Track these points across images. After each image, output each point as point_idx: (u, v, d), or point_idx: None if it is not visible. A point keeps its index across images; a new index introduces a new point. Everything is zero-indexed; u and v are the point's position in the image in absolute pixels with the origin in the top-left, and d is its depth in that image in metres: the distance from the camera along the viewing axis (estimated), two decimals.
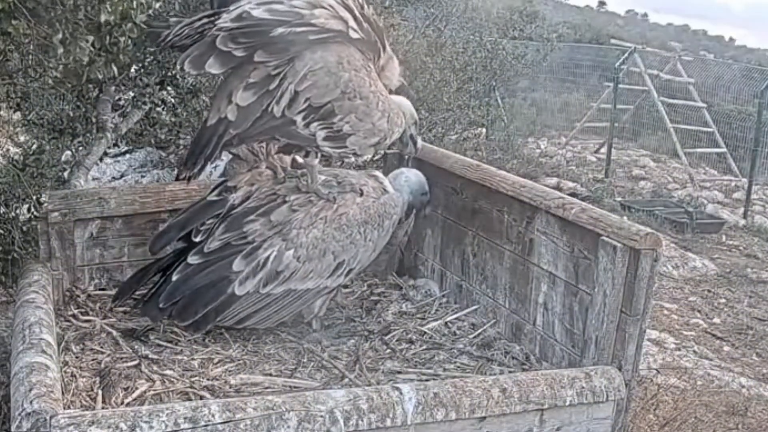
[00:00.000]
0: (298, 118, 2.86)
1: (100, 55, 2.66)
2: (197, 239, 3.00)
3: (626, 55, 13.59)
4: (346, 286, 3.58)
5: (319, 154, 3.07)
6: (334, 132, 2.92)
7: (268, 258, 2.93)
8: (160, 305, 2.91)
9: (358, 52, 2.95)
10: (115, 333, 2.99)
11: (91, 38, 2.58)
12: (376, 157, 4.06)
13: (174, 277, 2.94)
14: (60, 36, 2.50)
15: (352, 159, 3.20)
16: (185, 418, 2.01)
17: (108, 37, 2.62)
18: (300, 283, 2.98)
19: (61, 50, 2.53)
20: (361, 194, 3.13)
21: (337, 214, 3.03)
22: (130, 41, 2.71)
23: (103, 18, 2.54)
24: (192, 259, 2.95)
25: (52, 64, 2.68)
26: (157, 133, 5.23)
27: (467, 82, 8.66)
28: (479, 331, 3.25)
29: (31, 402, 1.98)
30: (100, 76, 2.74)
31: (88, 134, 4.20)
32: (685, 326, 6.49)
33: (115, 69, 2.79)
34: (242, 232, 2.96)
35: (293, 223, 2.98)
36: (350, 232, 3.04)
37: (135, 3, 2.62)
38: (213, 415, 2.04)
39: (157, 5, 2.78)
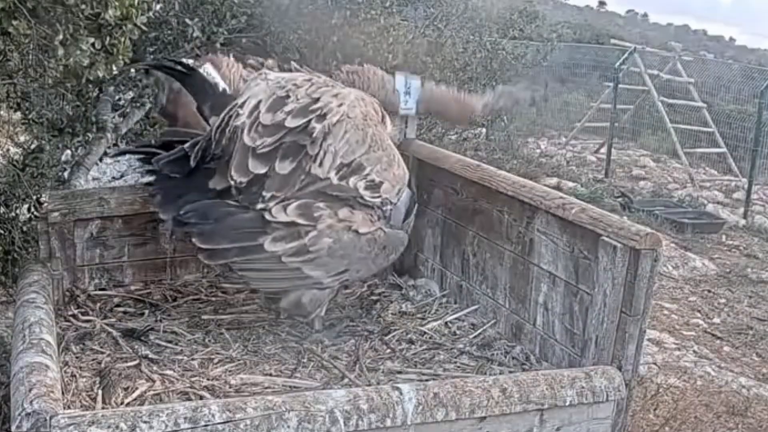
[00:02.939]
0: (332, 175, 2.95)
1: (100, 55, 2.66)
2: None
3: (626, 55, 13.59)
4: (346, 287, 3.58)
5: None
6: (369, 182, 3.02)
7: (308, 233, 2.92)
8: (181, 212, 2.88)
9: (372, 106, 3.14)
10: (115, 333, 2.99)
11: (91, 40, 2.58)
12: None
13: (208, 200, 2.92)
14: (60, 37, 2.50)
15: (387, 208, 3.18)
16: (185, 418, 2.02)
17: (108, 38, 2.62)
18: (309, 269, 2.98)
19: (61, 52, 2.53)
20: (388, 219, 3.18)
21: (372, 229, 3.06)
22: (129, 42, 2.71)
23: (110, 13, 2.53)
24: (239, 197, 2.94)
25: (52, 64, 2.68)
26: (157, 133, 5.23)
27: (467, 82, 8.66)
28: (479, 331, 3.25)
29: (31, 402, 1.98)
30: (100, 75, 2.73)
31: (88, 134, 4.19)
32: (685, 326, 6.50)
33: (115, 68, 2.79)
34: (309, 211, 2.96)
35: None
36: (370, 249, 3.06)
37: (136, 1, 2.62)
38: (213, 415, 2.04)
39: (158, 7, 2.77)
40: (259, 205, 2.92)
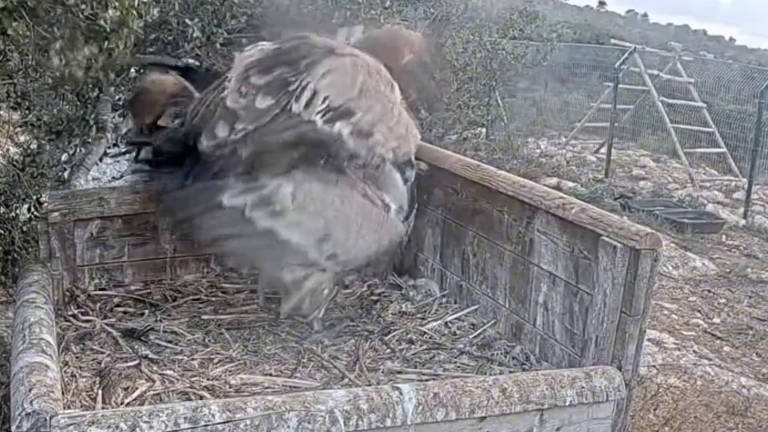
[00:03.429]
0: (317, 118, 2.79)
1: (99, 60, 2.66)
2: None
3: (626, 55, 13.59)
4: (346, 287, 3.59)
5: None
6: (357, 129, 2.85)
7: (265, 185, 2.82)
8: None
9: (372, 59, 2.98)
10: (115, 333, 2.99)
11: (86, 51, 2.57)
12: None
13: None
14: (57, 46, 2.50)
15: (378, 163, 3.00)
16: (185, 418, 2.02)
17: (106, 42, 2.62)
18: (284, 230, 2.85)
19: (56, 62, 2.52)
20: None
21: (348, 191, 2.95)
22: (127, 46, 2.71)
23: (109, 13, 2.53)
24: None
25: (52, 64, 2.68)
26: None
27: (467, 82, 8.67)
28: (479, 331, 3.25)
29: (31, 402, 1.98)
30: (101, 76, 2.74)
31: (87, 134, 4.20)
32: (685, 326, 6.50)
33: (112, 75, 2.79)
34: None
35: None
36: (349, 213, 2.94)
37: (136, 1, 2.62)
38: (213, 415, 2.04)
39: (155, 11, 2.77)
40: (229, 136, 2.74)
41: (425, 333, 3.21)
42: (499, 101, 13.23)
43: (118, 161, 6.28)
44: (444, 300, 3.55)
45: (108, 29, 2.58)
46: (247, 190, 2.82)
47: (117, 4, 2.54)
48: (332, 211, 2.91)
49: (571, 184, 11.05)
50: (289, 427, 2.10)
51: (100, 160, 4.63)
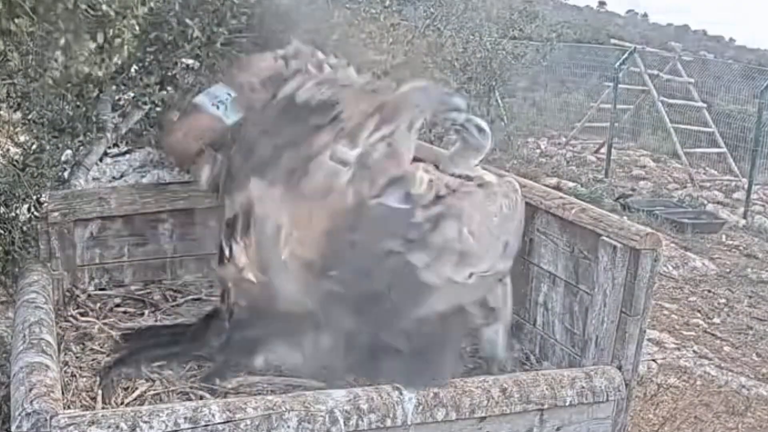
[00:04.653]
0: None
1: (103, 48, 2.64)
2: None
3: (626, 55, 13.58)
4: None
5: None
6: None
7: (444, 236, 2.60)
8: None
9: None
10: (115, 333, 2.99)
11: (92, 44, 2.56)
12: None
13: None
14: (62, 41, 2.48)
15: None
16: (185, 418, 2.02)
17: (111, 31, 2.60)
18: (478, 262, 2.65)
19: (61, 59, 2.51)
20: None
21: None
22: (132, 35, 2.70)
23: (110, 5, 2.51)
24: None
25: (53, 65, 2.67)
26: (158, 133, 5.22)
27: (467, 82, 8.68)
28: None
29: (31, 402, 1.98)
30: (100, 73, 2.73)
31: (88, 134, 4.19)
32: (685, 326, 6.50)
33: (116, 60, 2.76)
34: None
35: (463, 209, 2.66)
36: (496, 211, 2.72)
37: None
38: (213, 415, 2.04)
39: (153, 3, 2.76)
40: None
41: None
42: (499, 101, 13.23)
43: (118, 161, 6.28)
44: None
45: (113, 15, 2.54)
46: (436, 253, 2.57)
47: None
48: (494, 219, 2.73)
49: (571, 184, 11.04)
50: (289, 427, 2.10)
51: (100, 160, 4.63)
